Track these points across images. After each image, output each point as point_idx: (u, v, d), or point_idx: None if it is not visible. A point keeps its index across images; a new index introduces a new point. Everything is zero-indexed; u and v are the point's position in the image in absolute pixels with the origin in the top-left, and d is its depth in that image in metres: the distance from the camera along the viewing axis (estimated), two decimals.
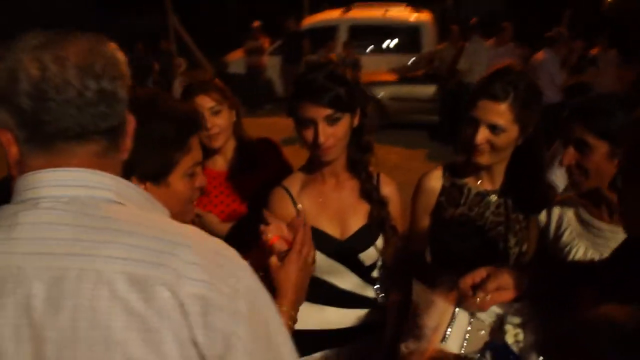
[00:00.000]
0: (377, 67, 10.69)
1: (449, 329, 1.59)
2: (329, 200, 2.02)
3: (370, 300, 2.07)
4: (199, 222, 2.36)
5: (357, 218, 2.02)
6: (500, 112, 1.84)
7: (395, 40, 12.10)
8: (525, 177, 1.98)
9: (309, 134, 1.88)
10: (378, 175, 2.08)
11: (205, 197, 2.40)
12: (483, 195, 2.04)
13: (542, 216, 2.01)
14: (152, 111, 1.33)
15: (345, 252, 1.99)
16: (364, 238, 2.01)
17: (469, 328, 1.61)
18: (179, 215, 1.36)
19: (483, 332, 1.61)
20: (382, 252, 2.02)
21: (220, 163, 2.49)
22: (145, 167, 1.33)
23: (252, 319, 0.98)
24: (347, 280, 2.04)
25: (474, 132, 1.87)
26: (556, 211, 1.98)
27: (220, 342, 0.93)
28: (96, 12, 19.22)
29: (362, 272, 2.04)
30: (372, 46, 12.12)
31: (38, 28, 1.00)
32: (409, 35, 11.81)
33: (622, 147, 1.27)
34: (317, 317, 2.00)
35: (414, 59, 11.10)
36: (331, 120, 1.85)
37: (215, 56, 13.54)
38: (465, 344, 1.59)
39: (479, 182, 2.05)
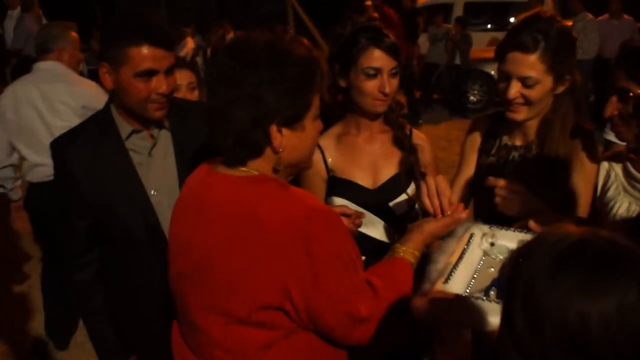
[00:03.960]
0: (493, 44, 10.51)
1: (454, 270, 1.46)
2: (362, 153, 2.06)
3: None
4: None
5: (389, 168, 2.05)
6: (531, 64, 1.74)
7: (512, 18, 11.77)
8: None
9: (372, 85, 1.90)
10: (411, 129, 2.12)
11: None
12: (509, 149, 1.99)
13: None
14: (280, 58, 1.32)
15: (376, 201, 2.01)
16: (394, 186, 2.03)
17: (479, 266, 1.52)
18: (307, 162, 1.49)
19: (492, 269, 1.50)
20: (416, 199, 1.95)
21: None
22: (284, 113, 1.32)
23: None
24: (380, 230, 2.04)
25: (507, 87, 1.79)
26: (605, 166, 1.86)
27: None
28: None
29: (394, 221, 2.04)
30: (487, 24, 11.88)
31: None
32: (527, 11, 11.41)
33: None
34: None
35: None
36: (393, 73, 1.91)
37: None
38: (472, 283, 1.46)
39: (510, 135, 1.99)
